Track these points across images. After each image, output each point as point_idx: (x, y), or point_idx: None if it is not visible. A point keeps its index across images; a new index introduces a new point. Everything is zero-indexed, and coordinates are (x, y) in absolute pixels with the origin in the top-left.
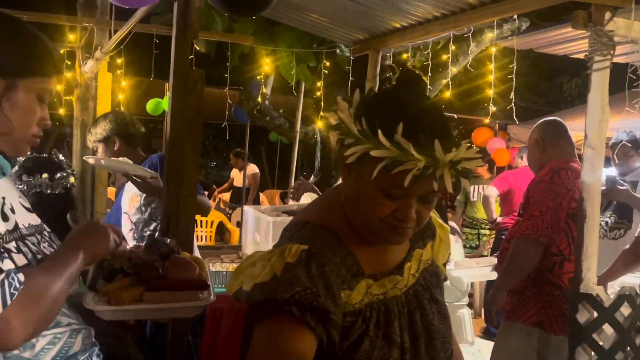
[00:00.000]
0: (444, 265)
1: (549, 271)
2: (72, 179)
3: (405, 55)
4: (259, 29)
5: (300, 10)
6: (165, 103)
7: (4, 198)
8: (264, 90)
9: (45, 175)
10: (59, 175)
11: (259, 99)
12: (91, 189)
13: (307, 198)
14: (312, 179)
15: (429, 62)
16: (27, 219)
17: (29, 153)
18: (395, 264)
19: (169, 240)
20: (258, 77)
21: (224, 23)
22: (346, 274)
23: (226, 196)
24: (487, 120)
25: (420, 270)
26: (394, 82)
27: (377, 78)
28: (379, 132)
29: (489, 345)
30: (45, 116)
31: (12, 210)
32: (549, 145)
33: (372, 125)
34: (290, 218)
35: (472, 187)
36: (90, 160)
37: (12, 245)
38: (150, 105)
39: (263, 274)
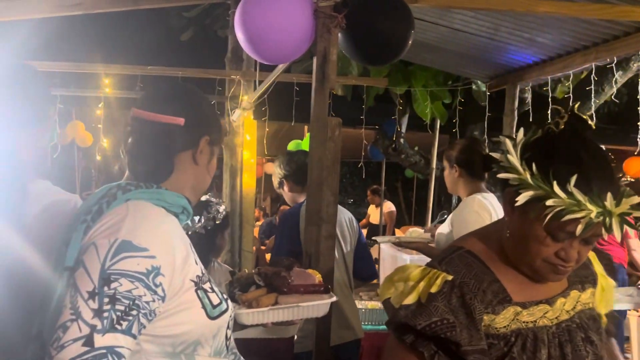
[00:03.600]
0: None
1: None
2: (221, 208)
3: (545, 88)
4: (394, 70)
5: (434, 50)
6: (304, 144)
7: (189, 242)
8: (399, 128)
9: (198, 217)
10: (211, 213)
11: (394, 138)
12: (239, 228)
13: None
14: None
15: (571, 94)
16: (199, 261)
17: None
18: (546, 295)
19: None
20: (393, 117)
21: (359, 67)
22: (492, 299)
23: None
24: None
25: (577, 310)
26: (562, 127)
27: (515, 112)
28: (554, 183)
29: None
30: (215, 166)
31: (194, 253)
32: None
33: (544, 171)
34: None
35: None
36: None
37: (207, 286)
38: (291, 147)
39: (410, 297)
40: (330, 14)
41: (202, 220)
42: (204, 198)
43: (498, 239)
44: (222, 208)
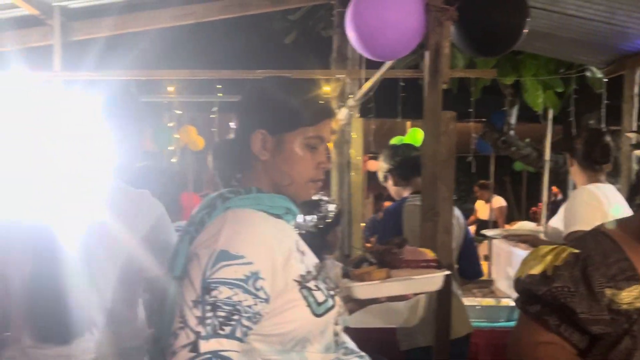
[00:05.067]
0: None
1: None
2: (332, 206)
3: None
4: (502, 60)
5: (545, 37)
6: (407, 140)
7: (297, 241)
8: (509, 120)
9: (310, 216)
10: (322, 212)
11: (503, 130)
12: (348, 225)
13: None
14: None
15: None
16: (313, 258)
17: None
18: None
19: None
20: (503, 109)
21: (465, 59)
22: (616, 274)
23: (471, 229)
24: None
25: None
26: None
27: (636, 99)
28: None
29: None
30: (321, 160)
31: (303, 252)
32: None
33: None
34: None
35: None
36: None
37: (312, 284)
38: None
39: (536, 269)
40: (441, 7)
41: (314, 219)
42: (315, 197)
43: (637, 221)
44: (332, 206)
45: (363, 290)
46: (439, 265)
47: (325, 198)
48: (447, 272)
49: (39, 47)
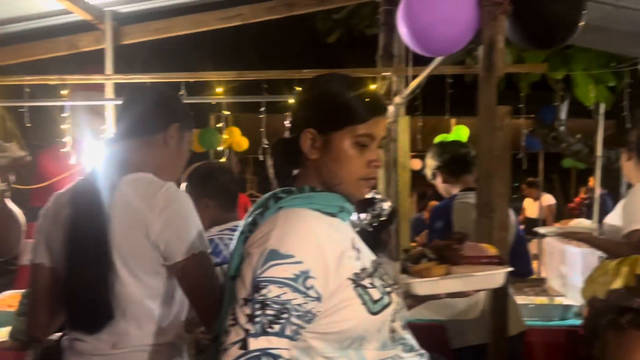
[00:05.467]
0: None
1: None
2: (386, 204)
3: None
4: (552, 55)
5: (596, 30)
6: (452, 138)
7: (353, 238)
8: (559, 115)
9: (364, 214)
10: (376, 210)
11: (553, 126)
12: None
13: None
14: None
15: None
16: (369, 255)
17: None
18: None
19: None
20: (554, 104)
21: (514, 54)
22: None
23: None
24: None
25: None
26: None
27: None
28: None
29: None
30: (371, 158)
31: (359, 250)
32: None
33: None
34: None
35: None
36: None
37: (367, 282)
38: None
39: (616, 283)
40: (495, 1)
41: (368, 217)
42: (369, 195)
43: None
44: (386, 205)
45: (422, 286)
46: (500, 261)
47: (379, 196)
48: (509, 269)
49: (91, 51)
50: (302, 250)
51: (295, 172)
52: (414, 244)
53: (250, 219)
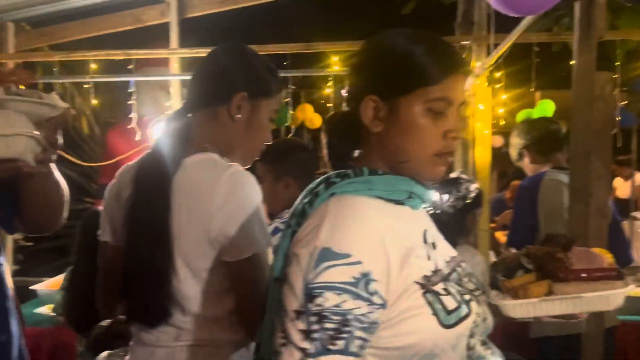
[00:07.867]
0: None
1: None
2: (473, 186)
3: None
4: None
5: None
6: (536, 113)
7: (425, 231)
8: None
9: (447, 197)
10: (460, 192)
11: None
12: None
13: None
14: None
15: None
16: (446, 251)
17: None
18: None
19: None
20: None
21: (605, 21)
22: None
23: None
24: None
25: None
26: None
27: None
28: None
29: None
30: (448, 127)
31: (434, 245)
32: None
33: None
34: None
35: None
36: None
37: (440, 287)
38: (520, 118)
39: None
40: None
41: (451, 199)
42: (454, 175)
43: None
44: (473, 186)
45: (517, 309)
46: (619, 275)
47: (464, 176)
48: (631, 287)
49: (155, 25)
50: (360, 248)
51: (356, 153)
52: (493, 225)
53: (298, 210)
